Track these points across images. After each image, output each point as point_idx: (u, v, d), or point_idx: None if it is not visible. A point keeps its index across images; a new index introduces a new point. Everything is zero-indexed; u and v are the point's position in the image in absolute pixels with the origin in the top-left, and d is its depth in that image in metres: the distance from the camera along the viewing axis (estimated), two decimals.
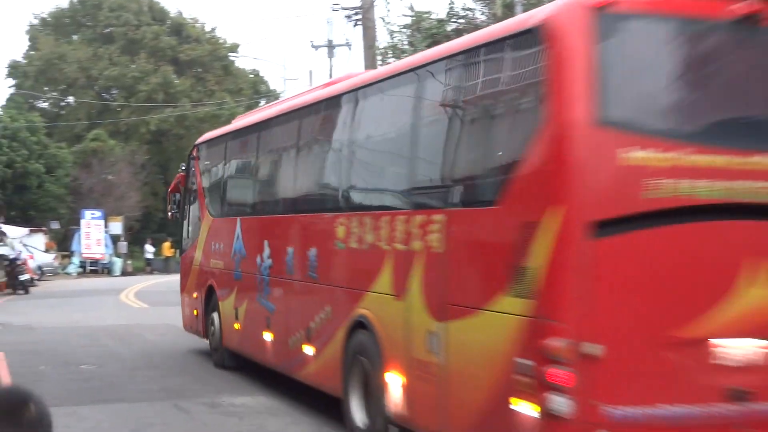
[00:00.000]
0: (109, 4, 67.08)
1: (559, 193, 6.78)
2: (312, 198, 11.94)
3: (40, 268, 42.42)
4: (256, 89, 71.50)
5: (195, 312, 16.50)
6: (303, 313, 11.52)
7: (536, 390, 6.79)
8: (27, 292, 33.93)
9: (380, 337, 9.31)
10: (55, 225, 52.57)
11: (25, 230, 44.71)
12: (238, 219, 14.41)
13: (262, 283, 13.04)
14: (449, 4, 22.12)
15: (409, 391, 8.75)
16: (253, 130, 14.35)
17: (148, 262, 53.23)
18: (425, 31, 22.74)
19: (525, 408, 6.95)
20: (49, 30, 68.47)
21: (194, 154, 16.97)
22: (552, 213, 6.76)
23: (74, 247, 51.06)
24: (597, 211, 6.70)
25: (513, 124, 7.71)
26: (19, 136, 51.65)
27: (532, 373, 6.84)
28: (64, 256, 50.72)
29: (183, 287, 17.77)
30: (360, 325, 9.74)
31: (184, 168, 17.74)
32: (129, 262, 52.92)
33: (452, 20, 22.18)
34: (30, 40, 69.13)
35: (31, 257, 40.32)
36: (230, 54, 68.85)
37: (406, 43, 24.04)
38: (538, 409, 6.78)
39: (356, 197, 10.53)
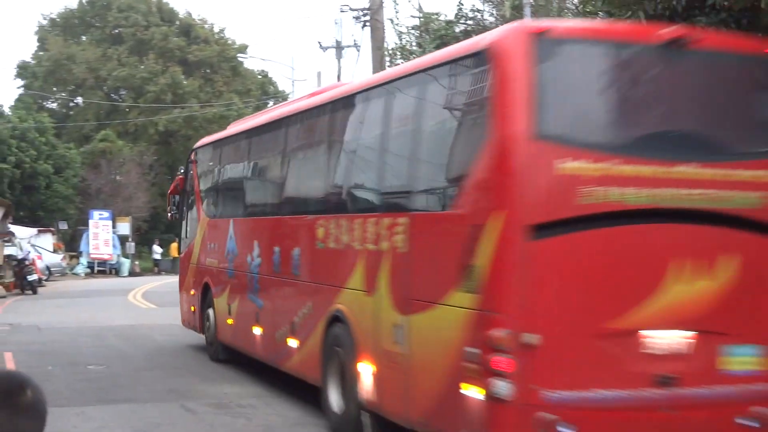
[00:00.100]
0: (118, 5, 67.22)
1: (501, 200, 7.59)
2: (296, 201, 12.85)
3: (48, 268, 42.46)
4: (264, 90, 71.57)
5: (192, 308, 17.32)
6: (288, 309, 12.29)
7: (482, 375, 7.53)
8: (35, 293, 33.96)
9: (354, 330, 10.10)
10: (63, 225, 52.63)
11: (34, 231, 44.77)
12: (231, 220, 15.22)
13: (252, 281, 13.83)
14: (458, 5, 22.08)
15: (378, 379, 9.53)
16: (244, 136, 15.28)
17: (156, 262, 53.26)
18: (434, 32, 22.71)
19: (473, 392, 7.70)
20: (58, 30, 68.63)
21: (192, 157, 17.88)
22: (495, 217, 7.56)
23: (82, 247, 51.09)
24: (535, 216, 7.47)
25: (464, 137, 8.49)
26: (27, 136, 51.76)
27: (479, 361, 7.57)
28: (72, 257, 50.77)
29: (181, 285, 18.58)
30: (336, 319, 10.53)
31: (182, 171, 18.69)
32: (137, 262, 52.97)
33: (461, 22, 22.15)
34: (39, 40, 69.32)
35: (40, 258, 40.36)
36: (239, 55, 68.92)
37: (414, 44, 24.03)
38: (484, 392, 7.53)
39: (333, 201, 11.30)
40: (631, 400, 7.63)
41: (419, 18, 24.20)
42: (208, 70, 68.93)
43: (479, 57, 8.11)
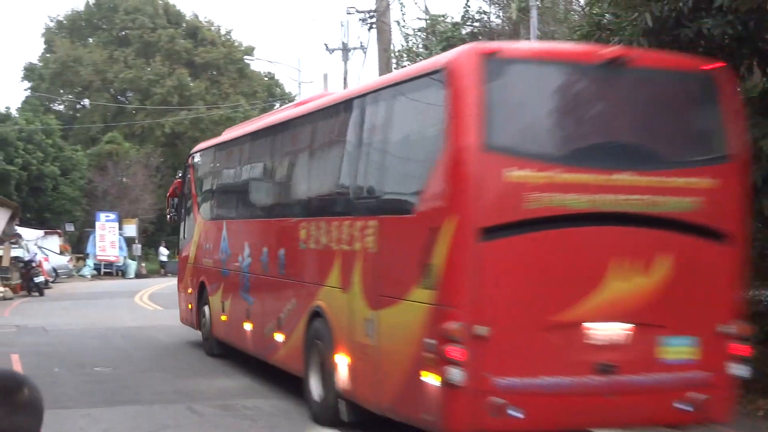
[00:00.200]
0: (124, 7, 67.33)
1: (455, 205, 8.36)
2: (281, 204, 13.61)
3: (54, 270, 42.53)
4: (270, 92, 71.64)
5: (190, 306, 18.22)
6: (275, 305, 13.11)
7: (438, 364, 8.30)
8: (42, 294, 34.01)
9: (331, 324, 10.90)
10: (69, 227, 52.70)
11: (40, 232, 44.83)
12: (224, 222, 16.05)
13: (244, 279, 14.65)
14: (464, 7, 22.09)
15: (352, 369, 10.31)
16: (235, 142, 16.16)
17: (163, 264, 53.29)
18: (440, 34, 22.73)
19: (431, 379, 8.48)
20: (65, 33, 68.78)
21: (189, 162, 18.87)
22: (449, 221, 8.34)
23: (89, 249, 51.15)
24: (485, 219, 8.26)
25: (424, 148, 9.28)
26: (34, 138, 51.84)
27: (436, 351, 8.34)
28: (78, 259, 50.82)
29: (180, 284, 19.57)
30: (317, 314, 11.32)
31: (180, 175, 19.69)
32: (143, 264, 53.04)
33: (467, 24, 22.16)
34: (46, 42, 69.46)
35: (46, 259, 40.45)
36: (245, 57, 68.96)
37: (420, 46, 24.05)
38: (440, 379, 8.30)
39: (314, 205, 12.12)
40: (574, 386, 8.45)
41: (426, 20, 24.23)
42: (214, 72, 69.00)
43: (436, 75, 8.91)
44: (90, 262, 50.45)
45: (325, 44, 36.94)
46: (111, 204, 54.24)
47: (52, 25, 70.09)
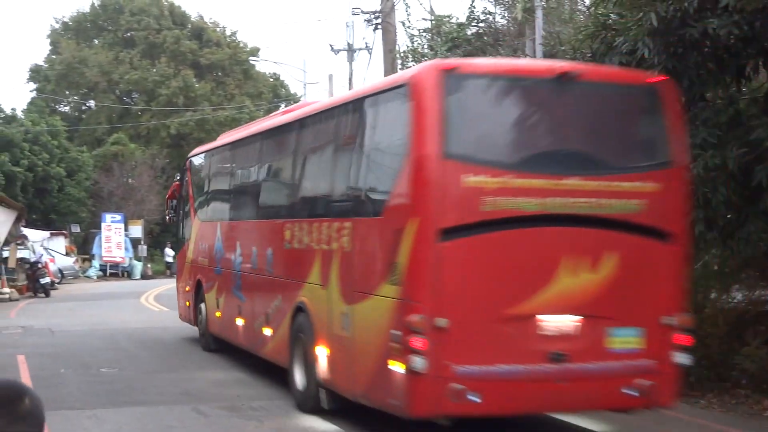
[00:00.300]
0: (130, 9, 67.37)
1: (417, 208, 9.13)
2: (268, 207, 14.42)
3: (60, 271, 42.60)
4: (276, 93, 71.65)
5: (187, 303, 19.08)
6: (264, 302, 13.89)
7: (403, 353, 9.03)
8: (47, 295, 34.07)
9: (312, 319, 11.66)
10: (75, 228, 52.76)
11: (46, 233, 44.90)
12: (218, 223, 16.91)
13: (236, 277, 15.43)
14: (469, 8, 22.07)
15: (331, 360, 11.07)
16: (228, 148, 17.13)
17: (168, 265, 53.24)
18: (445, 35, 22.71)
19: (397, 367, 9.20)
20: (71, 34, 68.85)
21: (186, 165, 19.81)
22: (412, 222, 9.11)
23: (95, 250, 51.22)
24: (444, 221, 9.00)
25: (390, 156, 10.07)
26: (40, 139, 51.91)
27: (400, 341, 9.08)
28: (84, 260, 50.91)
29: (178, 282, 20.66)
30: (300, 309, 12.06)
31: (179, 177, 20.63)
32: (149, 265, 53.07)
33: (472, 24, 22.14)
34: (51, 44, 69.52)
35: (52, 260, 40.50)
36: (250, 58, 68.98)
37: (426, 47, 24.03)
38: (404, 367, 9.03)
39: (297, 207, 12.94)
40: (528, 373, 9.19)
41: (431, 21, 24.21)
42: (219, 73, 69.03)
43: (400, 90, 9.71)
44: (96, 263, 50.52)
45: (331, 45, 37.00)
46: (117, 205, 54.32)
47: (57, 26, 70.18)
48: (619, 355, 9.49)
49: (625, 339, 9.52)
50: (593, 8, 14.74)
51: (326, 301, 11.18)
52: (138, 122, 63.67)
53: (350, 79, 35.60)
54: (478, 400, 9.00)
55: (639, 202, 9.53)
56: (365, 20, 27.72)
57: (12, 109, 56.27)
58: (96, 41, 69.50)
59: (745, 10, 10.36)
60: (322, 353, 11.29)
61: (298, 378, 12.06)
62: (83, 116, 68.43)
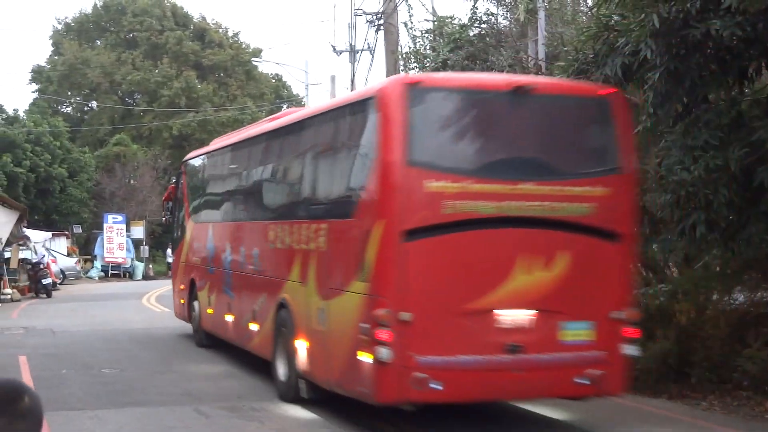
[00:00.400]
0: (132, 10, 67.41)
1: (382, 211, 9.90)
2: (255, 209, 15.15)
3: (62, 272, 42.62)
4: (278, 94, 71.71)
5: (182, 301, 19.89)
6: (251, 299, 14.63)
7: (370, 345, 9.77)
8: (49, 296, 34.08)
9: (293, 314, 12.42)
10: (77, 229, 52.80)
11: (48, 234, 44.91)
12: (210, 224, 17.72)
13: (226, 276, 16.22)
14: (472, 9, 22.04)
15: (309, 352, 11.81)
16: (219, 153, 17.90)
17: (170, 266, 53.30)
18: (448, 36, 22.67)
19: (365, 357, 9.96)
20: (73, 35, 68.88)
21: (182, 168, 20.72)
22: (378, 224, 9.89)
23: (96, 251, 51.26)
24: (408, 223, 9.77)
25: (360, 163, 10.75)
26: (42, 140, 51.94)
27: (368, 333, 9.83)
28: (86, 260, 50.94)
29: (173, 281, 21.45)
30: (282, 305, 12.83)
31: (174, 180, 21.44)
32: (151, 266, 53.11)
33: (475, 25, 22.11)
34: (54, 45, 69.58)
35: (54, 261, 40.53)
36: (253, 59, 69.01)
37: (428, 48, 24.00)
38: (372, 357, 9.78)
39: (280, 210, 13.72)
40: (486, 363, 9.94)
41: (433, 22, 24.17)
42: (222, 74, 69.08)
43: (368, 102, 10.47)
44: (97, 263, 50.54)
45: (333, 46, 36.94)
46: (118, 206, 54.36)
47: (60, 27, 70.23)
48: (571, 346, 10.24)
49: (576, 332, 10.27)
50: (596, 9, 14.73)
51: (305, 298, 11.95)
52: (140, 123, 63.70)
53: (352, 80, 35.57)
54: (440, 388, 9.75)
55: (589, 205, 10.29)
56: (367, 21, 27.72)
57: (14, 109, 56.39)
58: (98, 42, 69.58)
59: (747, 12, 10.33)
60: (301, 346, 12.02)
61: (281, 370, 12.79)
62: (85, 117, 68.50)
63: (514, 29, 20.34)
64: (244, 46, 71.36)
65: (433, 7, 33.37)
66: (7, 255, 33.60)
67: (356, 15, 30.15)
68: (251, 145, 15.63)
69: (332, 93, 41.16)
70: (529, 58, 16.98)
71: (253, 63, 69.21)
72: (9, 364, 16.01)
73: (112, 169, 56.43)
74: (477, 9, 21.92)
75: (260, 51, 71.68)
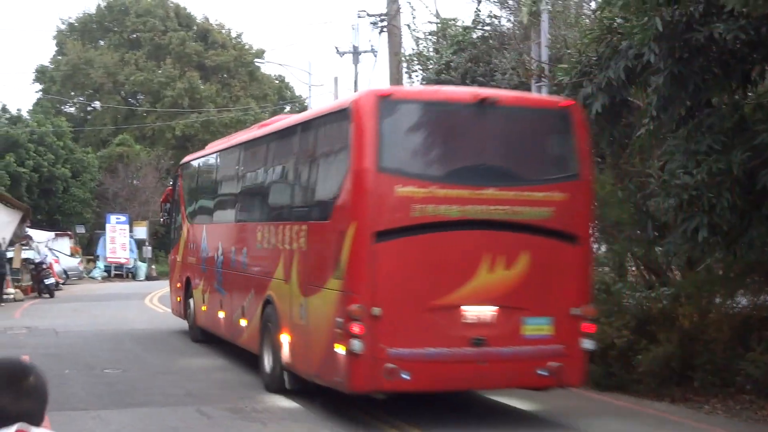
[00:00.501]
0: (135, 10, 67.45)
1: (355, 213, 10.72)
2: (244, 211, 16.00)
3: (65, 272, 42.62)
4: (281, 95, 71.71)
5: (178, 299, 20.82)
6: (240, 296, 15.35)
7: (345, 337, 10.56)
8: (52, 296, 34.09)
9: (278, 310, 13.18)
10: (80, 229, 52.82)
11: (51, 234, 44.90)
12: (204, 225, 18.57)
13: (218, 275, 17.01)
14: (475, 11, 22.03)
15: (292, 346, 12.58)
16: (212, 157, 18.84)
17: None
18: (451, 38, 22.69)
19: (340, 349, 10.73)
20: (77, 35, 68.91)
21: (178, 171, 21.76)
22: (352, 226, 10.68)
23: (99, 251, 51.26)
24: (379, 225, 10.58)
25: (336, 169, 11.51)
26: (45, 140, 51.96)
27: (343, 327, 10.62)
28: (89, 261, 50.93)
29: (171, 280, 22.63)
30: (268, 302, 13.59)
31: (172, 183, 22.48)
32: (153, 266, 53.07)
33: (478, 28, 22.11)
34: (57, 45, 69.61)
35: (57, 261, 40.52)
36: (256, 60, 69.01)
37: (431, 50, 24.01)
38: (345, 349, 10.57)
39: (267, 212, 14.54)
40: (452, 355, 10.72)
41: (436, 24, 24.18)
42: (225, 75, 69.09)
43: (343, 112, 11.28)
44: (100, 264, 50.54)
45: (336, 47, 37.03)
46: (121, 206, 54.37)
47: (63, 27, 70.25)
48: (532, 340, 11.03)
49: (537, 327, 11.06)
50: (599, 12, 14.73)
51: (288, 294, 12.73)
52: (143, 123, 63.74)
53: (355, 82, 35.63)
54: (409, 378, 10.53)
55: (549, 209, 11.10)
56: (371, 23, 27.73)
57: (18, 109, 56.46)
58: (102, 42, 69.61)
59: (751, 15, 10.33)
60: (285, 340, 12.79)
61: (267, 362, 13.55)
62: (88, 117, 68.53)
63: (518, 32, 20.33)
64: (247, 47, 71.39)
65: (436, 10, 33.38)
66: (10, 255, 33.60)
67: (360, 17, 30.15)
68: (239, 151, 16.58)
69: (335, 94, 41.17)
70: (532, 61, 16.97)
71: (256, 64, 69.22)
72: None
73: (115, 169, 56.45)
74: (480, 11, 21.94)
75: (263, 52, 71.76)
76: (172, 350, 18.17)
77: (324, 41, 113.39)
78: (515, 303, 10.94)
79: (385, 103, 10.81)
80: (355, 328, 10.45)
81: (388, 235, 10.57)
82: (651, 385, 13.41)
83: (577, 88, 13.38)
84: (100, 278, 49.08)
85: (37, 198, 50.94)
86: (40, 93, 67.31)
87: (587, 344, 11.27)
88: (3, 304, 30.20)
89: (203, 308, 18.32)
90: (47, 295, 34.08)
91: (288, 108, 65.61)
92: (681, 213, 11.27)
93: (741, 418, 12.04)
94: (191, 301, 19.45)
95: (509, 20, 21.64)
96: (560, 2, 19.60)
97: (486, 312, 10.87)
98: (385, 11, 26.26)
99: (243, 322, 15.08)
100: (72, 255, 47.09)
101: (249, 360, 15.13)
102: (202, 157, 19.99)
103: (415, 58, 23.99)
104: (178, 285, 20.78)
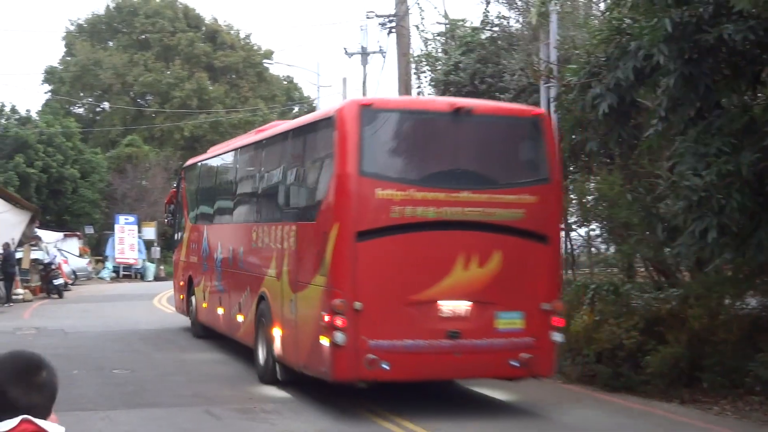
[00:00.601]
0: (144, 11, 67.54)
1: (339, 215, 11.50)
2: (241, 212, 16.90)
3: (74, 272, 42.67)
4: (289, 96, 71.73)
5: (181, 297, 21.79)
6: (237, 293, 16.19)
7: (329, 330, 11.34)
8: (61, 297, 34.13)
9: (270, 305, 13.96)
10: (89, 230, 52.87)
11: (60, 235, 44.97)
12: (204, 226, 19.48)
13: (217, 273, 17.86)
14: (484, 12, 22.02)
15: (283, 339, 13.34)
16: (213, 160, 19.84)
17: None
18: (459, 39, 22.69)
19: (324, 341, 11.49)
20: (86, 36, 69.04)
21: (181, 174, 22.81)
22: (335, 226, 11.46)
23: (108, 251, 51.29)
24: (361, 225, 11.37)
25: (322, 173, 12.32)
26: (54, 141, 52.05)
27: (327, 321, 11.38)
28: (97, 261, 50.97)
29: (174, 278, 23.63)
30: (262, 298, 14.37)
31: (175, 185, 23.54)
32: (162, 267, 53.06)
33: (486, 28, 22.11)
34: (66, 46, 69.74)
35: (66, 262, 40.57)
36: (264, 61, 69.07)
37: (440, 51, 24.01)
38: (329, 341, 11.33)
39: (261, 213, 15.36)
40: (429, 347, 11.48)
41: (445, 25, 24.18)
42: (233, 76, 69.14)
43: (328, 121, 12.07)
44: (109, 264, 50.57)
45: (345, 48, 37.02)
46: (130, 207, 54.40)
47: (72, 28, 70.40)
48: (504, 333, 11.78)
49: (509, 320, 11.81)
50: (608, 13, 14.72)
51: (280, 291, 13.53)
52: (152, 124, 63.82)
53: (364, 83, 35.64)
54: (388, 368, 11.28)
55: (520, 211, 11.89)
56: (379, 24, 27.68)
57: (27, 110, 56.61)
58: (110, 43, 69.71)
59: (760, 16, 10.32)
60: (277, 334, 13.56)
61: (261, 355, 14.35)
62: (97, 118, 68.62)
63: (526, 32, 20.32)
64: (255, 47, 71.44)
65: (445, 10, 33.36)
66: (19, 255, 33.65)
67: (368, 17, 30.15)
68: (235, 155, 17.60)
69: (344, 95, 41.19)
70: (541, 62, 16.96)
71: (265, 65, 69.27)
72: None
73: (124, 170, 56.51)
74: (489, 12, 21.92)
75: (272, 53, 71.80)
76: (178, 348, 18.56)
77: (333, 42, 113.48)
78: (488, 298, 11.71)
79: (367, 112, 11.60)
80: (338, 321, 11.23)
81: (369, 234, 11.37)
82: (660, 386, 13.39)
83: (586, 89, 13.37)
84: (108, 279, 49.13)
85: (46, 198, 51.03)
86: (50, 94, 67.45)
87: (557, 337, 12.03)
88: (12, 305, 30.27)
89: (204, 305, 19.16)
90: (56, 296, 34.12)
91: (296, 109, 65.67)
92: (690, 214, 11.25)
93: (751, 420, 12.02)
94: (193, 298, 20.31)
95: (518, 21, 21.63)
96: (569, 3, 19.58)
97: (461, 306, 11.65)
98: (393, 12, 26.25)
99: (240, 318, 15.93)
100: (81, 255, 47.14)
101: (245, 354, 15.93)
102: (203, 160, 20.99)
103: (424, 59, 23.99)
104: (181, 283, 21.69)
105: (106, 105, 68.08)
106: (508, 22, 21.91)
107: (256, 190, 15.86)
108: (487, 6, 21.80)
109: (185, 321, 21.33)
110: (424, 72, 23.69)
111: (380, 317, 11.32)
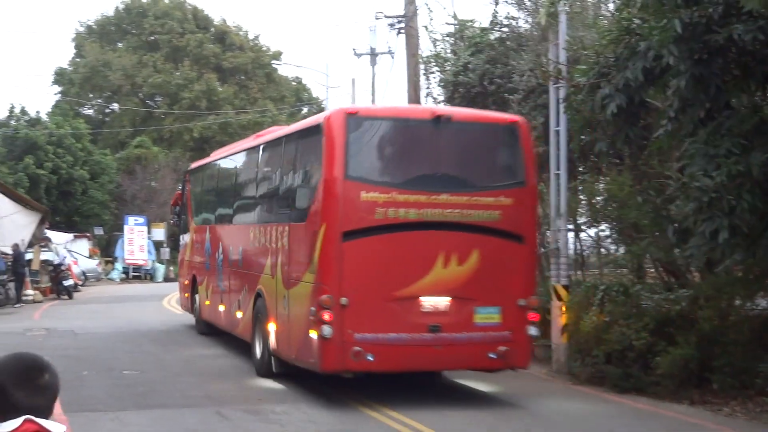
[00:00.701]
0: (153, 12, 67.67)
1: (326, 216, 12.26)
2: (240, 213, 17.73)
3: (83, 273, 42.74)
4: (298, 97, 71.78)
5: (186, 295, 22.62)
6: (237, 290, 17.02)
7: (317, 324, 12.11)
8: (71, 298, 34.19)
9: (266, 302, 14.74)
10: (98, 231, 52.96)
11: (70, 236, 45.08)
12: (207, 226, 20.29)
13: (219, 272, 18.65)
14: (493, 13, 21.98)
15: (277, 333, 14.08)
16: (213, 164, 20.87)
17: None
18: (468, 39, 22.64)
19: (313, 334, 12.26)
20: (95, 38, 69.20)
21: (186, 177, 23.68)
22: (323, 226, 12.24)
23: (117, 252, 51.37)
24: (346, 226, 12.13)
25: (311, 177, 13.11)
26: (64, 142, 52.19)
27: (315, 315, 12.16)
28: (107, 262, 51.07)
29: (180, 277, 24.75)
30: (259, 295, 15.19)
31: (180, 187, 24.39)
32: (171, 268, 53.12)
33: (495, 29, 22.06)
34: (76, 47, 69.92)
35: (75, 263, 40.64)
36: (273, 61, 69.14)
37: (449, 51, 23.97)
38: (317, 334, 12.09)
39: (258, 214, 16.27)
40: (411, 340, 12.24)
41: (454, 25, 24.13)
42: (242, 77, 69.23)
43: (317, 128, 12.89)
44: (119, 265, 50.64)
45: (353, 49, 37.00)
46: (139, 208, 54.51)
47: (82, 30, 70.57)
48: (483, 327, 12.52)
49: (487, 315, 12.54)
50: (617, 13, 14.69)
51: (274, 288, 14.27)
52: (161, 125, 63.93)
53: (372, 83, 35.66)
54: (373, 360, 12.03)
55: (497, 212, 12.62)
56: (388, 24, 27.67)
57: (36, 112, 56.72)
58: (120, 45, 69.85)
59: None
60: (272, 329, 14.27)
61: (257, 349, 15.12)
62: (107, 119, 68.78)
63: (535, 33, 20.27)
64: (264, 48, 71.51)
65: (453, 11, 33.36)
66: (29, 256, 33.72)
67: (377, 18, 30.15)
68: (235, 159, 18.55)
69: (353, 96, 41.20)
70: (550, 62, 16.93)
71: (274, 66, 69.33)
72: None
73: (133, 171, 56.62)
74: (498, 13, 21.87)
75: (280, 54, 71.88)
76: (186, 347, 18.94)
77: (341, 43, 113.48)
78: (467, 294, 12.46)
79: (353, 119, 12.39)
80: (326, 316, 11.99)
81: (354, 234, 12.16)
82: (669, 387, 13.36)
83: (595, 89, 13.34)
84: (118, 280, 49.20)
85: (56, 200, 51.15)
86: (59, 95, 67.62)
87: (532, 331, 12.79)
88: (22, 306, 30.34)
89: (207, 303, 20.01)
90: (66, 297, 34.18)
91: (306, 110, 65.71)
92: (701, 215, 11.22)
93: (761, 421, 11.98)
94: (197, 296, 21.13)
95: (527, 21, 21.58)
96: (578, 3, 19.54)
97: (441, 302, 12.41)
98: (402, 13, 26.23)
99: (239, 314, 16.76)
100: (90, 256, 47.23)
101: (244, 348, 16.72)
102: (205, 163, 21.98)
103: (433, 60, 23.93)
104: (186, 282, 22.63)
105: (115, 106, 68.23)
106: (517, 23, 21.85)
107: (253, 192, 16.74)
108: (496, 6, 21.75)
109: (192, 320, 21.41)
110: (433, 73, 23.63)
111: (365, 312, 12.05)
